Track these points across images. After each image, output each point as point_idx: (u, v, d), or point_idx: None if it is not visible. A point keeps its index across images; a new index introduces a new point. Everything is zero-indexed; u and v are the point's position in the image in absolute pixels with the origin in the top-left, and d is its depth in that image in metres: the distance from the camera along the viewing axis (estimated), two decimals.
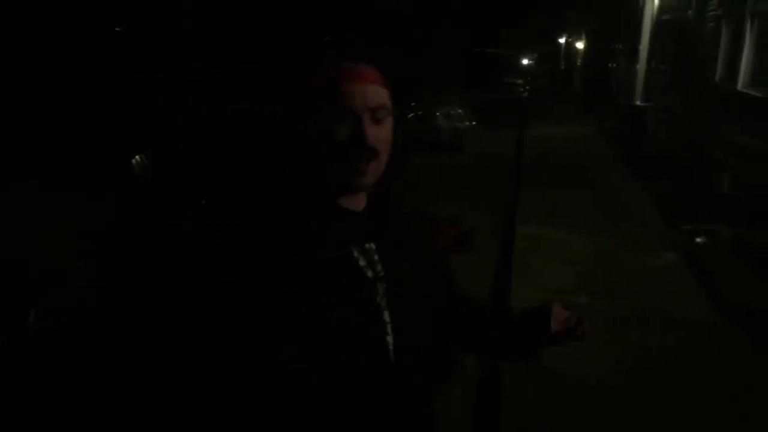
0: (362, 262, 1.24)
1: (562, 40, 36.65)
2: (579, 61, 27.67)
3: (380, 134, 1.22)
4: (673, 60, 11.69)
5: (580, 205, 7.79)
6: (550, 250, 6.18)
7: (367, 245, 1.26)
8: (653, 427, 3.43)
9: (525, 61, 37.37)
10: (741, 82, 7.79)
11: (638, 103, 12.56)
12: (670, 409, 3.58)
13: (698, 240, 6.37)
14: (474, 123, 13.43)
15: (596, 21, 22.53)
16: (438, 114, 12.82)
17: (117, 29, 12.74)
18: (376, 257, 1.25)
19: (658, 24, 12.86)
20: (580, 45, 27.93)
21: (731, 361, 4.13)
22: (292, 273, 1.15)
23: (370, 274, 1.24)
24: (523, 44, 39.25)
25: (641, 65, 13.15)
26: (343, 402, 1.17)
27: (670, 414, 3.54)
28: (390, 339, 1.23)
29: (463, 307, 1.47)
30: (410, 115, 12.16)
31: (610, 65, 19.33)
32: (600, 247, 6.32)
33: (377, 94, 1.22)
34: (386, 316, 1.24)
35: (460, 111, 13.32)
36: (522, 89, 25.87)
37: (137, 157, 5.18)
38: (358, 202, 1.29)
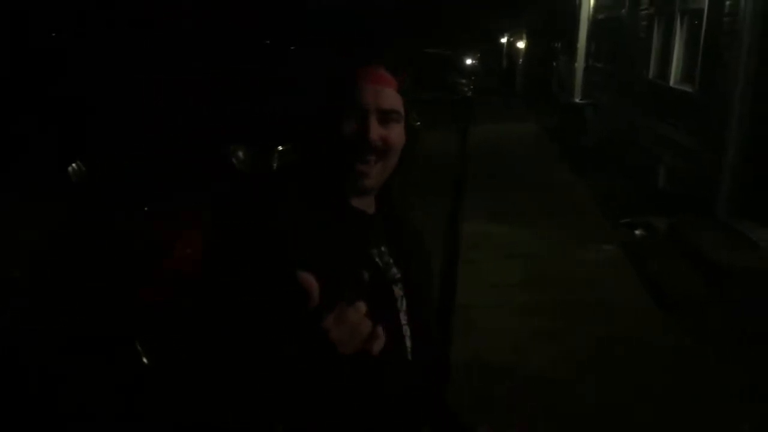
0: (381, 264, 1.23)
1: (503, 40, 37.20)
2: (521, 60, 28.13)
3: (389, 136, 1.22)
4: (609, 58, 12.00)
5: (524, 201, 7.94)
6: (495, 246, 6.28)
7: (382, 248, 1.25)
8: (604, 416, 3.53)
9: (468, 61, 37.76)
10: (673, 78, 8.06)
11: (577, 100, 12.85)
12: (619, 397, 3.69)
13: (637, 233, 6.57)
14: (419, 123, 13.48)
15: (537, 20, 22.94)
16: None
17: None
18: (390, 260, 1.24)
19: (595, 23, 13.19)
20: (521, 44, 28.39)
21: (672, 349, 4.28)
22: (316, 275, 1.07)
23: (389, 275, 1.23)
24: (466, 44, 39.68)
25: (579, 63, 13.46)
26: (364, 404, 1.14)
27: (618, 402, 3.65)
28: (408, 341, 1.22)
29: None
30: None
31: (550, 64, 19.71)
32: (543, 241, 6.46)
33: (390, 97, 1.22)
34: (403, 318, 1.23)
35: None
36: (466, 88, 26.14)
37: (74, 164, 5.06)
38: (369, 204, 1.28)
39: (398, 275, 1.24)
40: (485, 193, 8.18)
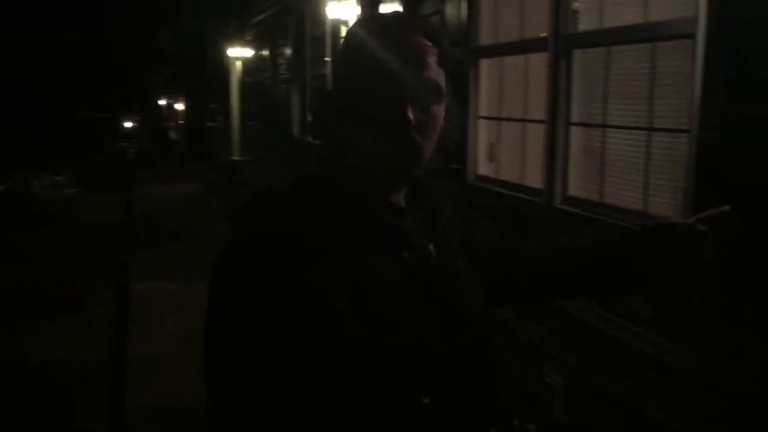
0: (418, 266, 1.09)
1: (163, 102, 37.20)
2: (182, 122, 28.55)
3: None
4: (261, 117, 13.06)
5: (190, 255, 8.33)
6: (165, 300, 6.59)
7: (427, 247, 1.11)
8: None
9: (128, 124, 37.00)
10: (312, 135, 9.25)
11: (235, 158, 13.67)
12: None
13: None
14: (79, 189, 13.19)
15: (193, 83, 23.58)
16: (35, 183, 12.30)
17: None
18: (433, 259, 1.11)
19: (245, 86, 14.20)
20: (180, 106, 28.82)
21: None
22: (350, 285, 1.00)
23: (426, 280, 1.08)
24: (124, 106, 38.88)
25: (234, 123, 14.33)
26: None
27: None
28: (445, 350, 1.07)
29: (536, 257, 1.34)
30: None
31: (209, 124, 20.49)
32: None
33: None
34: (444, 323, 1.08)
35: (60, 178, 12.97)
36: (128, 152, 25.76)
37: None
38: (400, 195, 1.13)
39: (437, 277, 1.10)
40: (152, 252, 8.43)
